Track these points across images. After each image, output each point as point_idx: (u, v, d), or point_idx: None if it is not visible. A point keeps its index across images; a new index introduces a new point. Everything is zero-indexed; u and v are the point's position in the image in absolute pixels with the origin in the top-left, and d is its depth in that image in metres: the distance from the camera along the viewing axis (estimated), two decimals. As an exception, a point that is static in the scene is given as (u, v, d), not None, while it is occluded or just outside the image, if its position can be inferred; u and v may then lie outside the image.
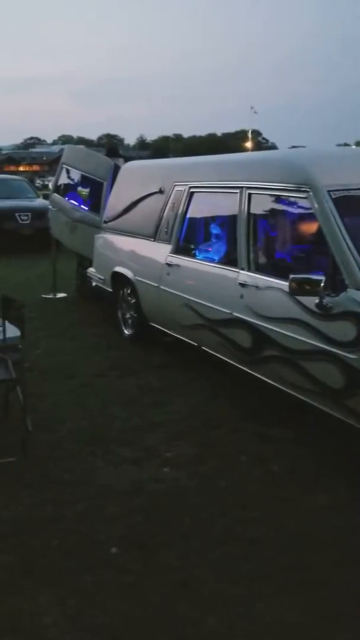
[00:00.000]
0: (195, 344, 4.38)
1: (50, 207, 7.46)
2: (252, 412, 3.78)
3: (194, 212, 4.46)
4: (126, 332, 5.37)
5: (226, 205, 4.01)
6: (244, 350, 3.72)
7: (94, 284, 5.97)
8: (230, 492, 2.90)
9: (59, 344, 5.32)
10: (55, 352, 5.07)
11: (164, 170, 5.09)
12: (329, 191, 3.14)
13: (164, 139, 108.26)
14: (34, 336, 5.50)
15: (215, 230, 4.31)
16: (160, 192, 4.77)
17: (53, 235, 7.33)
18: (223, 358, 4.03)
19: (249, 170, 3.91)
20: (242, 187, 3.79)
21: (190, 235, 4.51)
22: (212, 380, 4.30)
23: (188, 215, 4.49)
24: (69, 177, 6.97)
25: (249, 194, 3.73)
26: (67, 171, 6.97)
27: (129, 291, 5.19)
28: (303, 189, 3.26)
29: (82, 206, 6.48)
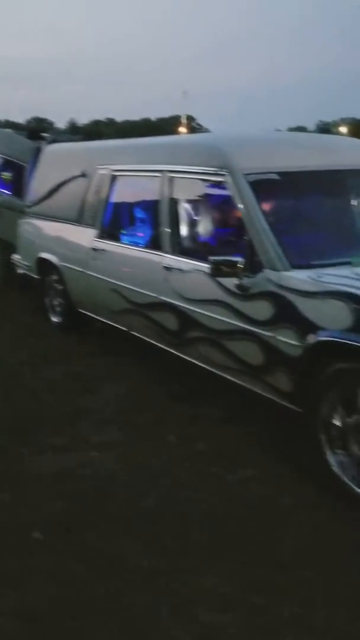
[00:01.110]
0: (125, 329, 4.39)
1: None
2: (181, 395, 3.84)
3: (118, 196, 4.44)
4: (55, 319, 5.29)
5: (149, 189, 4.01)
6: (171, 333, 3.76)
7: (19, 271, 5.83)
8: (159, 472, 2.95)
9: (-15, 334, 5.18)
10: (-19, 342, 4.94)
11: (86, 153, 5.02)
12: (245, 174, 3.21)
13: (96, 123, 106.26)
14: None
15: (139, 214, 4.32)
16: (83, 175, 4.70)
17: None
18: (152, 342, 4.06)
19: (170, 153, 3.92)
20: (163, 171, 3.81)
21: (115, 220, 4.48)
22: (142, 365, 4.33)
23: (112, 199, 4.45)
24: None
25: (170, 178, 3.75)
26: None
27: (55, 277, 5.11)
28: (221, 172, 3.31)
29: (3, 190, 6.29)
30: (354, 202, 3.73)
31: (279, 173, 3.32)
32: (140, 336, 4.19)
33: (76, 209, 4.74)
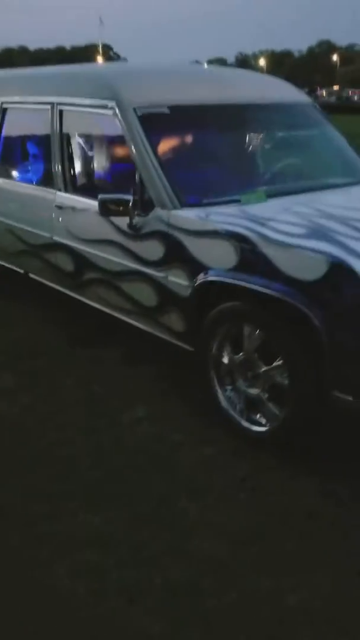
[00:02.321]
0: (22, 271, 4.22)
1: None
2: (80, 338, 3.78)
3: (8, 130, 4.15)
4: None
5: (40, 122, 3.76)
6: (68, 275, 3.66)
7: None
8: (51, 416, 2.92)
9: None
10: None
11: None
12: (134, 108, 3.07)
13: (7, 52, 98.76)
14: None
15: (31, 149, 4.07)
16: (-30, 107, 4.34)
17: None
18: (50, 284, 3.94)
19: (59, 85, 3.68)
20: (53, 103, 3.58)
21: (6, 155, 4.21)
22: (41, 309, 4.21)
23: (3, 134, 4.17)
24: None
25: (60, 111, 3.54)
26: None
27: None
28: (110, 105, 3.14)
29: None
30: (248, 139, 3.68)
31: (171, 107, 3.19)
32: (38, 279, 4.05)
33: (-36, 144, 4.39)
